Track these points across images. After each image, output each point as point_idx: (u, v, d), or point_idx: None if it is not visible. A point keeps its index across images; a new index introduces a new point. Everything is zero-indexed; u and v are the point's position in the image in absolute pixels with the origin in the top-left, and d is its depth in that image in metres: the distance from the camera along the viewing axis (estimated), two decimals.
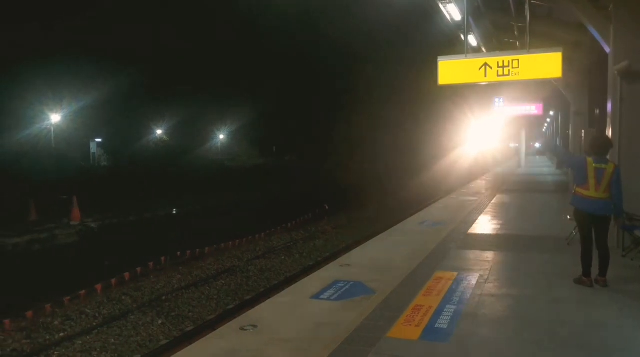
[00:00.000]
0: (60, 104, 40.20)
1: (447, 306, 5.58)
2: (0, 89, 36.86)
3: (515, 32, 15.93)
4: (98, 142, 50.42)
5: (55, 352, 7.64)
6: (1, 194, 17.80)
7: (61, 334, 8.28)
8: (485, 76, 9.24)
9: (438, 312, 5.38)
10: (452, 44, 14.73)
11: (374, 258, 7.90)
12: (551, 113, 39.84)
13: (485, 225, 11.10)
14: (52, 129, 40.13)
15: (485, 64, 9.16)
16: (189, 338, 7.79)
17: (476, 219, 11.87)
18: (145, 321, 8.93)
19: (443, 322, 5.09)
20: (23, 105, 37.78)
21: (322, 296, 5.92)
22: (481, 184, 23.14)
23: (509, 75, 9.18)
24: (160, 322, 8.91)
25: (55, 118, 40.61)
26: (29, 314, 8.97)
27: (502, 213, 12.91)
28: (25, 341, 8.00)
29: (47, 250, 11.38)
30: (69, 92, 39.99)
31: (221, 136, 63.61)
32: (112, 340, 8.10)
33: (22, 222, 12.89)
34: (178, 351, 4.41)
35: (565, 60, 9.62)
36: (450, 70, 9.26)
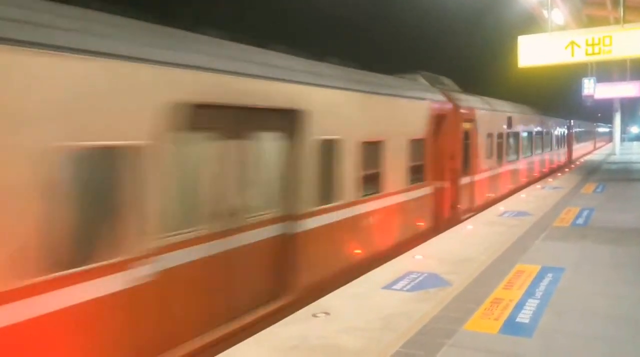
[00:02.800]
0: None
1: (529, 300, 5.25)
2: None
3: (608, 6, 14.66)
4: None
5: None
6: None
7: None
8: (573, 56, 8.59)
9: (519, 306, 5.08)
10: (529, 24, 13.81)
11: (449, 250, 7.62)
12: None
13: (573, 216, 10.37)
14: None
15: (573, 42, 8.51)
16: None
17: (563, 210, 11.12)
18: None
19: (524, 317, 4.79)
20: None
21: (394, 287, 5.80)
22: (569, 173, 21.69)
23: (599, 53, 8.49)
24: None
25: None
26: None
27: (593, 203, 12.00)
28: None
29: None
30: None
31: None
32: None
33: None
34: (250, 336, 4.48)
35: None
36: (532, 50, 8.71)
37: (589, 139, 44.74)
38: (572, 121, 30.44)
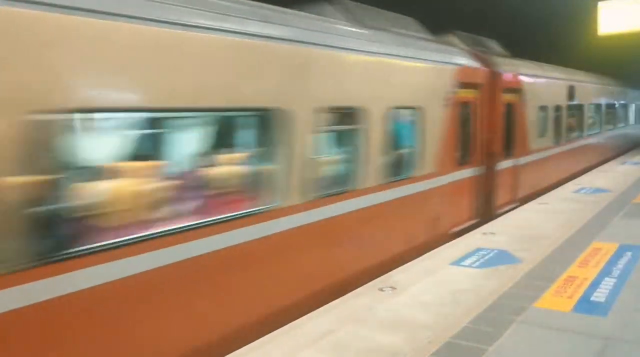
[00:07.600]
0: None
1: (605, 279, 5.08)
2: None
3: None
4: None
5: None
6: None
7: None
8: None
9: (595, 285, 4.93)
10: None
11: (521, 226, 7.44)
12: None
13: None
14: None
15: None
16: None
17: None
18: None
19: (600, 296, 4.65)
20: None
21: (462, 263, 5.78)
22: None
23: None
24: None
25: None
26: None
27: None
28: None
29: None
30: None
31: None
32: None
33: None
34: (319, 307, 4.66)
35: None
36: (614, 16, 8.14)
37: None
38: None
